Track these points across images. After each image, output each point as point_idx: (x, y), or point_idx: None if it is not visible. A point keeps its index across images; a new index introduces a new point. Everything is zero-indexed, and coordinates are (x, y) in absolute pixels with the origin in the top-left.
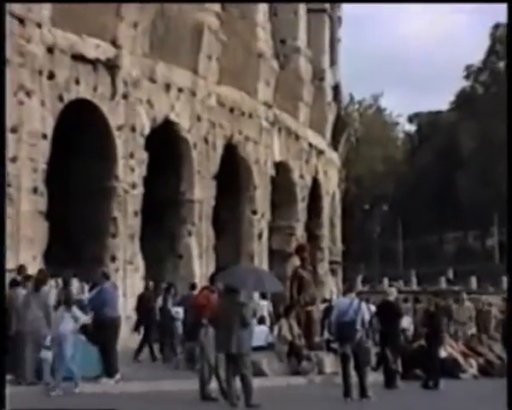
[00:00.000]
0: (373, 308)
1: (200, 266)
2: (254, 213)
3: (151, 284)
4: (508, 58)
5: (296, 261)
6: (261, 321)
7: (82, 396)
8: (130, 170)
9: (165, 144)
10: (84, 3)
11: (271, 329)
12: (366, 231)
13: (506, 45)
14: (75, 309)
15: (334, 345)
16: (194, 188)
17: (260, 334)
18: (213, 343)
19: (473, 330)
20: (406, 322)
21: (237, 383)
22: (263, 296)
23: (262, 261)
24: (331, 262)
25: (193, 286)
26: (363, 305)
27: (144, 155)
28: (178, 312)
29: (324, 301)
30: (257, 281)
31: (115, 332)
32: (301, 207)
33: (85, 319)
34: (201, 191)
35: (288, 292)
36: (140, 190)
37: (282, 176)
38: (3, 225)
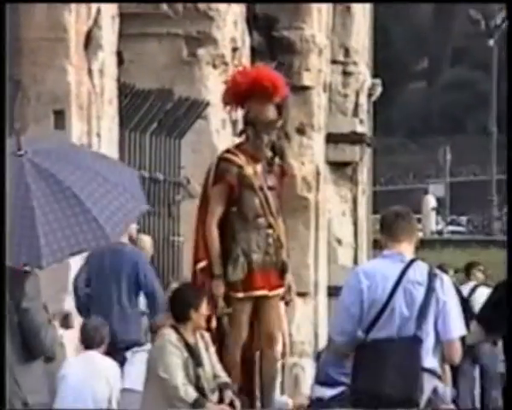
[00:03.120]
0: (480, 297)
1: None
2: None
3: None
4: (508, 58)
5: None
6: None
7: None
8: None
9: None
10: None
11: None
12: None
13: (506, 45)
14: None
15: None
16: None
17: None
18: None
19: None
20: None
21: None
22: None
23: None
24: (331, 138)
25: None
26: (446, 286)
27: None
28: None
29: None
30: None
31: None
32: None
33: None
34: None
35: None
36: None
37: None
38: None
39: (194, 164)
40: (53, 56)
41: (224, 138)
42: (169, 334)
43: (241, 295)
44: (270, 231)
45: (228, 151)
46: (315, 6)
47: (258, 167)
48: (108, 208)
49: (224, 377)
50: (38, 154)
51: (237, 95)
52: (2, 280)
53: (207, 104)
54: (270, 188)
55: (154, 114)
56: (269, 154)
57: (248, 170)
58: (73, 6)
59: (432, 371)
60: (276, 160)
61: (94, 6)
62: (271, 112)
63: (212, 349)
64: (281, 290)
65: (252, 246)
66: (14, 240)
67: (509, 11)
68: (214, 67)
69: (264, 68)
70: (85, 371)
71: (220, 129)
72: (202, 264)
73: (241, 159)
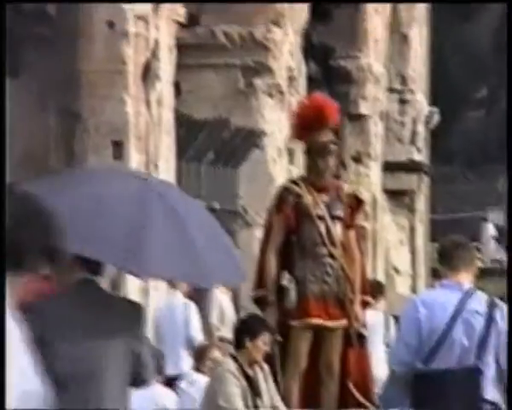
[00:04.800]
0: None
1: None
2: None
3: None
4: (508, 58)
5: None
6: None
7: None
8: None
9: None
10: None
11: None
12: None
13: (506, 45)
14: None
15: None
16: None
17: None
18: None
19: None
20: None
21: None
22: None
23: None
24: (388, 166)
25: None
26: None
27: None
28: None
29: None
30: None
31: None
32: None
33: None
34: None
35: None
36: None
37: None
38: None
39: (251, 193)
40: (111, 88)
41: (280, 168)
42: (228, 363)
43: (295, 322)
44: (331, 260)
45: (291, 181)
46: (371, 35)
47: (323, 197)
48: (215, 260)
49: (282, 407)
50: (162, 184)
51: (303, 128)
52: (3, 282)
53: (264, 134)
54: (335, 217)
55: (210, 144)
56: (338, 183)
57: (307, 199)
58: (132, 38)
59: (493, 404)
60: (346, 189)
61: (152, 37)
62: (324, 136)
63: (271, 380)
64: (343, 322)
65: (307, 275)
66: (122, 244)
67: (510, 11)
68: (270, 96)
69: (317, 95)
70: (144, 400)
71: (276, 158)
72: (258, 293)
73: (301, 188)
